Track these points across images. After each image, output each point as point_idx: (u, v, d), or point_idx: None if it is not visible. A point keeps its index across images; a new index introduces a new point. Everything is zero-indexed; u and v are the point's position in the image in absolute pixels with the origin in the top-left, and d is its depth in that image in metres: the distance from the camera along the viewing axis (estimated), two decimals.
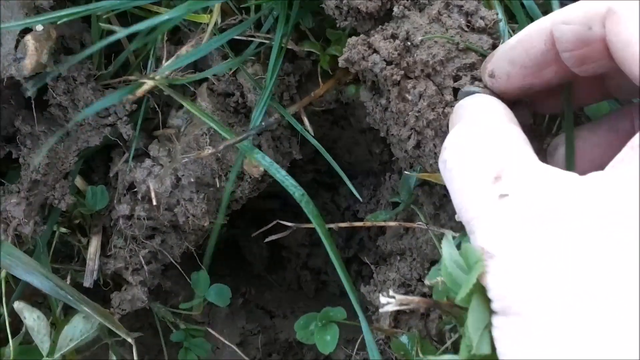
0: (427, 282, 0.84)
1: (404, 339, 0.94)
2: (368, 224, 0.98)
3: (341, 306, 0.98)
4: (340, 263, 0.84)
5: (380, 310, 0.85)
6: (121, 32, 0.77)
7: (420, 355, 0.93)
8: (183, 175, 0.96)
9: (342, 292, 1.25)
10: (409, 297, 0.83)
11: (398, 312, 1.03)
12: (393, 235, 1.04)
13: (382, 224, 0.97)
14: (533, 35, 0.63)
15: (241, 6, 0.93)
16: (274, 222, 1.03)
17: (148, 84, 0.94)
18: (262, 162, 0.85)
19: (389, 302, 0.83)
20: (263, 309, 1.23)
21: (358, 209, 1.19)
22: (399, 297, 0.83)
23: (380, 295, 0.83)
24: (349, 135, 1.16)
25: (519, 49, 0.65)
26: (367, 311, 1.05)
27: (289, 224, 1.01)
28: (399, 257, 1.02)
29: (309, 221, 0.97)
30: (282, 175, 0.84)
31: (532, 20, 0.88)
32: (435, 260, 0.97)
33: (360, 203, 1.18)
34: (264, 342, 1.18)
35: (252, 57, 0.94)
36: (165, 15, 0.80)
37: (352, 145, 1.19)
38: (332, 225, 0.94)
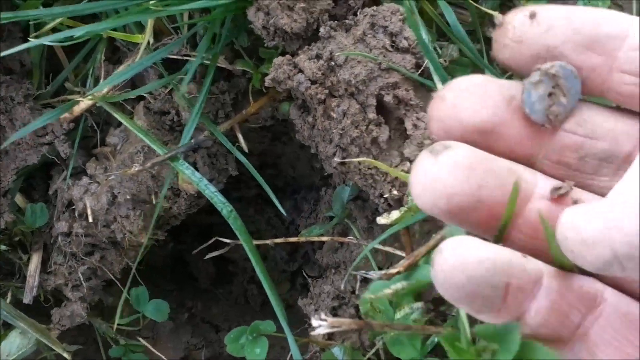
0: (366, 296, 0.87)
1: (335, 350, 0.96)
2: (302, 239, 1.00)
3: (288, 319, 1.00)
4: (266, 277, 0.86)
5: (312, 333, 0.87)
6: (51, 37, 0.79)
7: None
8: (119, 192, 0.97)
9: (288, 305, 1.26)
10: (341, 320, 0.85)
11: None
12: (329, 249, 1.06)
13: (315, 238, 0.99)
14: None
15: (173, 25, 0.94)
16: (214, 239, 1.05)
17: (85, 102, 0.96)
18: (192, 178, 0.87)
19: (321, 324, 0.85)
20: (209, 323, 1.24)
21: (299, 223, 1.21)
22: (330, 319, 0.85)
23: (312, 318, 0.85)
24: (292, 151, 1.19)
25: None
26: (305, 323, 1.07)
27: (228, 240, 1.03)
28: (334, 270, 1.04)
29: (255, 234, 1.00)
30: (210, 192, 0.86)
31: (461, 35, 0.91)
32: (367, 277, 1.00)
33: (301, 217, 1.20)
34: (208, 356, 1.19)
35: (184, 76, 0.96)
36: (100, 25, 0.83)
37: (295, 161, 1.21)
38: (262, 242, 0.96)
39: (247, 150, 0.97)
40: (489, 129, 0.42)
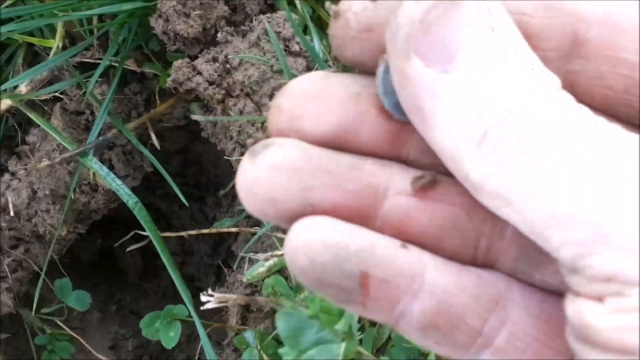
0: (245, 278, 0.94)
1: (248, 334, 1.03)
2: (214, 230, 1.07)
3: (219, 318, 1.08)
4: (172, 266, 0.93)
5: (201, 307, 0.94)
6: None
7: (258, 347, 1.02)
8: (39, 187, 1.04)
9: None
10: (227, 295, 0.93)
11: (246, 310, 1.12)
12: (243, 241, 1.13)
13: (225, 229, 1.06)
14: None
15: (85, 28, 1.01)
16: (133, 232, 1.12)
17: (4, 102, 1.02)
18: (99, 172, 0.93)
19: (209, 299, 0.93)
20: (137, 314, 1.31)
21: (219, 218, 1.28)
22: (217, 295, 0.92)
23: (201, 294, 0.92)
24: (211, 149, 1.25)
25: None
26: (222, 311, 1.14)
27: (146, 233, 1.09)
28: (247, 260, 1.10)
29: (180, 229, 1.08)
30: (117, 185, 0.92)
31: None
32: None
33: (221, 212, 1.27)
34: (135, 345, 1.25)
35: (100, 79, 1.02)
36: (8, 27, 0.89)
37: (215, 159, 1.28)
38: (174, 234, 1.03)
39: (158, 147, 1.04)
40: (339, 136, 0.35)
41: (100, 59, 1.02)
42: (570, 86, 0.34)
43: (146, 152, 0.99)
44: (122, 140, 1.06)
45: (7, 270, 1.10)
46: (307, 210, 0.34)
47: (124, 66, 1.00)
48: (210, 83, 0.92)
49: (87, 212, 1.10)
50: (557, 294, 0.35)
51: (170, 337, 1.00)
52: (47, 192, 1.04)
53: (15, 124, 1.07)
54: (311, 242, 0.33)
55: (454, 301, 0.34)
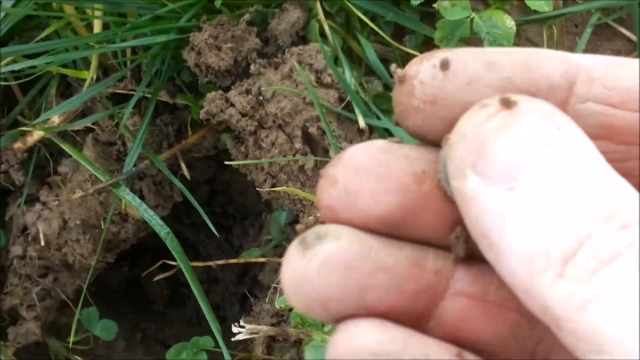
0: (277, 306, 0.94)
1: None
2: (242, 260, 1.07)
3: (244, 347, 1.08)
4: (202, 297, 0.93)
5: (232, 339, 0.94)
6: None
7: None
8: (69, 217, 1.04)
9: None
10: (258, 327, 0.93)
11: (272, 340, 1.12)
12: (270, 270, 1.13)
13: (254, 260, 1.06)
14: None
15: (118, 60, 1.02)
16: (161, 262, 1.12)
17: (37, 133, 1.03)
18: (132, 203, 0.94)
19: (240, 331, 0.92)
20: (162, 343, 1.31)
21: (245, 247, 1.28)
22: (248, 326, 0.92)
23: (232, 325, 0.92)
24: (239, 179, 1.26)
25: None
26: (247, 340, 1.14)
27: (174, 263, 1.09)
28: (273, 290, 1.10)
29: (207, 258, 1.08)
30: (149, 215, 0.93)
31: (382, 71, 0.99)
32: None
33: (247, 241, 1.27)
34: None
35: (133, 110, 1.03)
36: (42, 59, 0.91)
37: (244, 188, 1.28)
38: (202, 264, 1.03)
39: (189, 178, 1.05)
40: (398, 219, 0.31)
41: (134, 90, 1.03)
42: None
43: (178, 183, 1.00)
44: (153, 171, 1.06)
45: (36, 299, 1.10)
46: (360, 312, 0.30)
47: (157, 97, 1.00)
48: (243, 115, 0.93)
49: (116, 241, 1.10)
50: None
51: None
52: (78, 222, 1.04)
53: (47, 154, 1.08)
54: (358, 351, 0.29)
55: None
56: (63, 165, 1.07)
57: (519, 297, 0.27)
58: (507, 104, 0.28)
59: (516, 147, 0.27)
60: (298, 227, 0.32)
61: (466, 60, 0.31)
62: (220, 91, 0.94)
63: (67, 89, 1.12)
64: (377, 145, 0.32)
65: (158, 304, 1.38)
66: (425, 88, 0.31)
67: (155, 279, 1.12)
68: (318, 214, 0.33)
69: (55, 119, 1.04)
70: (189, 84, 1.06)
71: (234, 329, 0.89)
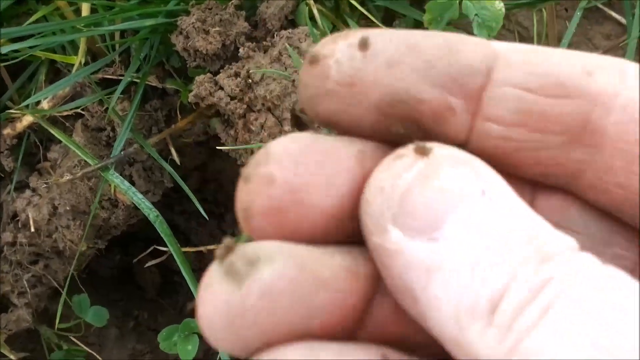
0: None
1: None
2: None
3: None
4: (192, 279, 0.93)
5: None
6: None
7: None
8: (59, 204, 1.04)
9: None
10: None
11: None
12: None
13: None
14: None
15: (106, 44, 1.02)
16: (152, 248, 1.12)
17: (26, 119, 1.03)
18: (121, 186, 0.94)
19: None
20: (155, 331, 1.30)
21: (237, 235, 1.28)
22: None
23: None
24: (231, 167, 1.26)
25: None
26: None
27: (165, 248, 1.09)
28: None
29: (198, 246, 1.08)
30: (138, 198, 0.93)
31: None
32: None
33: (238, 229, 1.27)
34: None
35: (121, 95, 1.03)
36: (27, 42, 0.90)
37: (235, 176, 1.28)
38: (192, 249, 1.03)
39: (178, 163, 1.04)
40: (347, 209, 0.29)
41: (122, 75, 1.03)
42: (574, 177, 0.30)
43: (167, 166, 1.00)
44: (143, 157, 1.06)
45: (27, 285, 1.10)
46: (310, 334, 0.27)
47: (145, 82, 1.00)
48: (232, 98, 0.92)
49: (107, 227, 1.10)
50: None
51: (187, 351, 0.99)
52: (68, 208, 1.04)
53: (37, 140, 1.08)
54: None
55: None
56: (53, 151, 1.07)
57: (448, 350, 0.26)
58: (422, 152, 0.27)
59: (437, 198, 0.26)
60: (217, 252, 0.28)
61: (386, 41, 0.29)
62: (209, 74, 0.94)
63: (56, 75, 1.12)
64: (303, 136, 0.29)
65: (150, 292, 1.38)
66: (343, 68, 0.29)
67: (147, 265, 1.12)
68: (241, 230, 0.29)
69: (45, 105, 1.03)
70: (178, 70, 1.06)
71: None
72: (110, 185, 1.02)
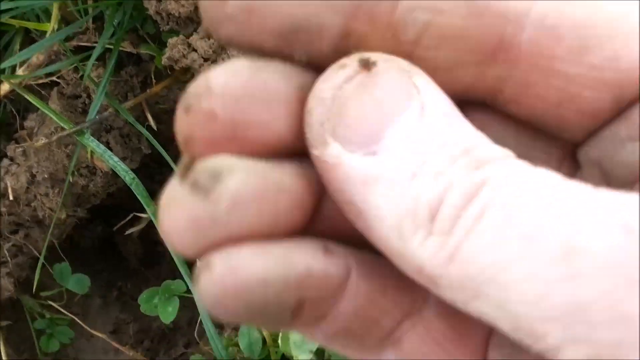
0: None
1: None
2: None
3: None
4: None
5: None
6: None
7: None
8: (37, 171, 1.05)
9: None
10: None
11: None
12: None
13: None
14: None
15: (79, 7, 1.02)
16: (131, 215, 1.13)
17: (3, 88, 1.03)
18: (97, 150, 0.94)
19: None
20: (138, 300, 1.31)
21: None
22: None
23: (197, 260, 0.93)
24: None
25: None
26: None
27: (144, 215, 1.10)
28: None
29: None
30: (114, 161, 0.93)
31: None
32: None
33: None
34: (136, 329, 1.26)
35: (97, 62, 1.03)
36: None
37: None
38: None
39: (155, 128, 1.05)
40: (288, 143, 0.29)
41: (97, 42, 1.03)
42: (493, 93, 0.30)
43: (144, 130, 1.00)
44: (120, 123, 1.07)
45: (7, 255, 1.11)
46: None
47: (120, 48, 1.01)
48: (206, 59, 0.93)
49: (86, 195, 1.11)
50: None
51: (168, 312, 1.01)
52: (46, 176, 1.05)
53: (13, 110, 1.09)
54: (246, 283, 0.26)
55: (373, 306, 0.30)
56: (29, 120, 1.07)
57: (393, 262, 0.27)
58: (366, 65, 0.27)
59: (376, 111, 0.26)
60: (178, 170, 0.28)
61: None
62: (182, 37, 0.94)
63: (31, 44, 1.12)
64: (243, 66, 0.28)
65: (133, 263, 1.39)
66: None
67: (128, 232, 1.13)
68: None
69: (20, 72, 1.04)
70: (152, 36, 1.06)
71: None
72: (87, 151, 1.03)
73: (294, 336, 0.83)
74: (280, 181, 0.28)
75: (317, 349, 0.82)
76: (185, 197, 0.26)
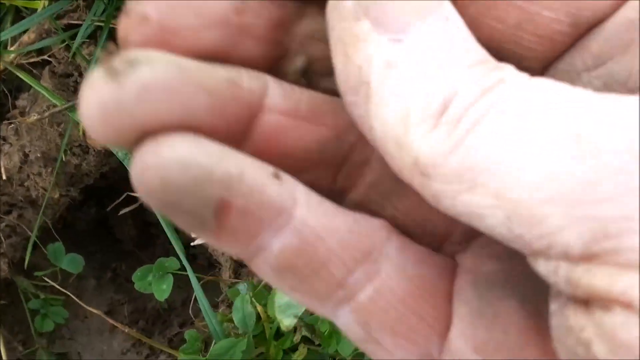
0: None
1: (241, 287, 1.04)
2: None
3: (212, 274, 1.10)
4: (167, 225, 0.94)
5: (192, 244, 0.96)
6: None
7: (253, 299, 1.03)
8: (30, 151, 1.05)
9: (210, 263, 1.34)
10: None
11: (239, 265, 1.14)
12: None
13: None
14: None
15: None
16: (124, 195, 1.13)
17: None
18: None
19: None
20: (132, 282, 1.32)
21: None
22: None
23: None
24: None
25: None
26: (215, 267, 1.16)
27: (138, 194, 1.10)
28: None
29: None
30: None
31: None
32: None
33: None
34: (131, 310, 1.26)
35: (88, 40, 1.03)
36: None
37: None
38: None
39: None
40: (218, 51, 0.29)
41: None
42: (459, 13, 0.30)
43: None
44: None
45: (1, 235, 1.11)
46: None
47: (111, 25, 1.00)
48: None
49: (79, 175, 1.11)
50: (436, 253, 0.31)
51: (162, 290, 1.01)
52: (39, 155, 1.05)
53: (5, 90, 1.08)
54: (166, 161, 0.26)
55: (319, 244, 0.29)
56: (21, 99, 1.07)
57: (383, 151, 0.27)
58: None
59: (409, 4, 0.27)
60: (99, 56, 0.28)
61: None
62: None
63: None
64: None
65: (127, 244, 1.39)
66: None
67: (122, 212, 1.13)
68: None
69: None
70: None
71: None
72: (79, 129, 1.03)
73: (279, 299, 0.83)
74: (202, 81, 0.27)
75: (302, 315, 0.83)
76: (98, 80, 0.26)
